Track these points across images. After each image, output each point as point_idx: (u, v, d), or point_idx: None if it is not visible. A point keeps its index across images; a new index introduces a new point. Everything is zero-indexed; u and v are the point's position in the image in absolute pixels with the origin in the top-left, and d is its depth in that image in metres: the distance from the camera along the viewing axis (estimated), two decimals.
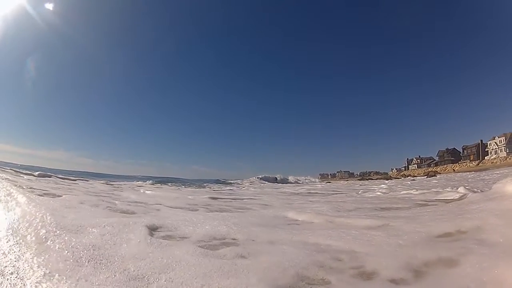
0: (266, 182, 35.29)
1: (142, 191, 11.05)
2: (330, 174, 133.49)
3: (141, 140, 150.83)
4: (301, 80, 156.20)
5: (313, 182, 43.92)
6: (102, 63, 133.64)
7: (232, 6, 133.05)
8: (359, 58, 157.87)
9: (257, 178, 38.87)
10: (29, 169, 21.59)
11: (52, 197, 6.45)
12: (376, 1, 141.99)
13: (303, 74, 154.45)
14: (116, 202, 6.57)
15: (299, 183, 39.39)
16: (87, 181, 17.44)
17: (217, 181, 35.55)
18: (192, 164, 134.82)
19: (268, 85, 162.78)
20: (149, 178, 33.54)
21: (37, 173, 17.36)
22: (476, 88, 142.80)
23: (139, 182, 23.19)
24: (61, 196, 6.89)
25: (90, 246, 2.78)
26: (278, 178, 40.19)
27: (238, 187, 25.56)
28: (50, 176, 16.41)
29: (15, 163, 32.47)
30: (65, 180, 15.35)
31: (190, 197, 9.70)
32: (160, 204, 6.87)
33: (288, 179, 42.77)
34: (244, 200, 9.38)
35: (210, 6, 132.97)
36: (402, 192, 10.56)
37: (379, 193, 11.14)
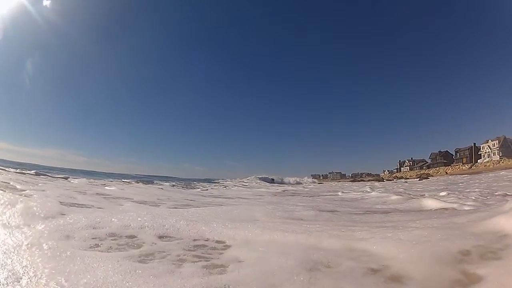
0: (262, 182, 35.37)
1: (108, 188, 10.43)
2: (322, 175, 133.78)
3: (135, 139, 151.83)
4: (297, 80, 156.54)
5: (307, 183, 43.99)
6: (97, 61, 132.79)
7: (227, 3, 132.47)
8: (353, 58, 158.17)
9: (257, 177, 39.34)
10: (21, 167, 21.32)
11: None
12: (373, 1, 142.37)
13: (299, 74, 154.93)
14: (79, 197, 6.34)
15: (299, 183, 40.25)
16: (67, 178, 16.57)
17: (207, 180, 35.37)
18: (184, 163, 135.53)
19: (265, 84, 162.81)
20: (136, 177, 33.50)
21: (33, 171, 16.81)
22: (469, 92, 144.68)
23: (114, 180, 22.23)
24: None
25: None
26: (274, 179, 40.52)
27: (227, 186, 24.92)
28: (39, 175, 15.76)
29: (11, 160, 33.08)
30: (43, 177, 14.62)
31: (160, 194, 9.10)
32: (122, 198, 6.69)
33: (283, 180, 43.29)
34: (218, 198, 8.92)
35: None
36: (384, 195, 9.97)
37: (364, 196, 10.59)
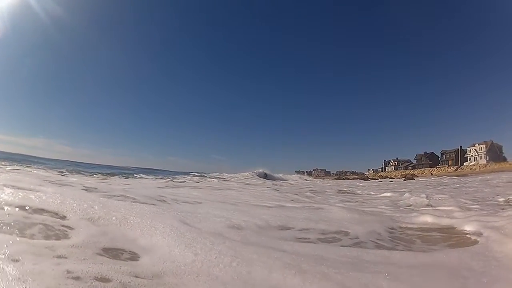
0: (256, 177, 34.74)
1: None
2: (306, 171, 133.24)
3: (122, 130, 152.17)
4: (285, 76, 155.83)
5: (301, 179, 44.26)
6: (84, 51, 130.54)
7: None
8: (343, 57, 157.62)
9: (252, 172, 39.51)
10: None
11: None
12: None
13: (289, 71, 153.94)
14: None
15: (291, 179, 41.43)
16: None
17: (188, 173, 34.84)
18: (169, 155, 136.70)
19: (254, 80, 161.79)
20: (117, 167, 34.59)
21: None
22: (459, 96, 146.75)
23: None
24: None
25: None
26: (267, 174, 40.56)
27: (201, 181, 22.98)
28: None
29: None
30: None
31: None
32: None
33: (277, 176, 43.27)
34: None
35: None
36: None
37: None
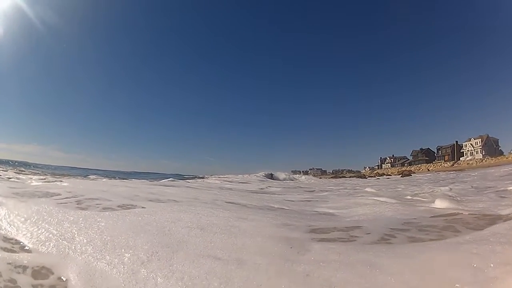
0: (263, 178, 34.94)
1: None
2: (303, 171, 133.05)
3: (115, 133, 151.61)
4: (276, 71, 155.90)
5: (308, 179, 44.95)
6: (73, 51, 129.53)
7: None
8: (338, 51, 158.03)
9: (256, 174, 38.89)
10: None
11: None
12: None
13: (284, 65, 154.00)
14: None
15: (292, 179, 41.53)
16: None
17: (177, 175, 35.64)
18: (163, 159, 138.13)
19: (249, 76, 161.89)
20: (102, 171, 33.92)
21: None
22: (452, 90, 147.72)
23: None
24: None
25: None
26: (273, 175, 41.39)
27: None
28: None
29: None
30: None
31: None
32: None
33: (277, 176, 43.89)
34: None
35: None
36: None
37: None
